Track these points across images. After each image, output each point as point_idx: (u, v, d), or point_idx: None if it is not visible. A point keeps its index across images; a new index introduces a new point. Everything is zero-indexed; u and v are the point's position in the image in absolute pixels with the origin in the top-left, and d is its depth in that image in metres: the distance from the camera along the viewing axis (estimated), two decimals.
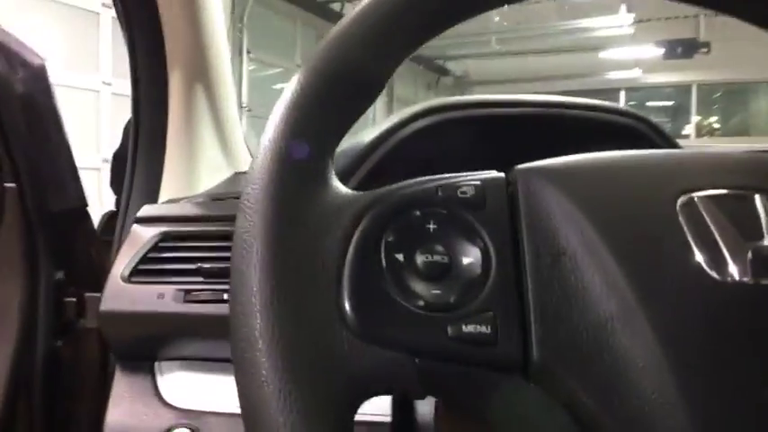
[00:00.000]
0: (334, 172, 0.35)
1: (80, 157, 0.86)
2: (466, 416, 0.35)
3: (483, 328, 0.30)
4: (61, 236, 0.87)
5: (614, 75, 8.78)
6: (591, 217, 0.32)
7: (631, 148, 0.38)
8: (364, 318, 0.30)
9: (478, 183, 0.34)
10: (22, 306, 0.81)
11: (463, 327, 0.30)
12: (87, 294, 0.88)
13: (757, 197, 0.33)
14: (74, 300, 0.89)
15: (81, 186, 0.86)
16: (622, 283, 0.31)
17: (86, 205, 0.87)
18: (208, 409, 0.62)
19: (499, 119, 0.78)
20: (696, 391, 0.29)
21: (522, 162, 0.36)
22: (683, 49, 7.43)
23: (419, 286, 0.31)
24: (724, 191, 0.33)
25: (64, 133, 0.84)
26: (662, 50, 7.59)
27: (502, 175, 0.35)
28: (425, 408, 0.57)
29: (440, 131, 0.73)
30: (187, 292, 0.64)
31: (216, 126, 0.99)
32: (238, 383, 0.29)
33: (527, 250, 0.32)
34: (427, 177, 0.35)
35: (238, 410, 0.30)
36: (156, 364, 0.68)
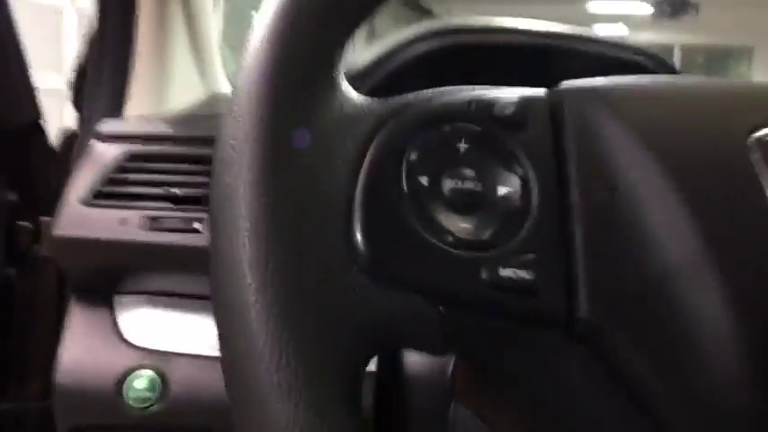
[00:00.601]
0: (344, 74, 0.28)
1: (40, 79, 0.76)
2: (488, 376, 0.29)
3: (523, 273, 0.24)
4: (12, 153, 0.78)
5: (600, 28, 8.67)
6: (653, 148, 0.26)
7: None
8: (379, 252, 0.24)
9: (518, 100, 0.28)
10: None
11: (500, 270, 0.24)
12: (43, 219, 0.80)
13: None
14: (28, 224, 0.82)
15: (35, 98, 0.77)
16: (688, 228, 0.25)
17: (40, 117, 0.77)
18: (174, 350, 0.56)
19: (508, 48, 0.70)
20: None
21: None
22: (673, 8, 7.34)
23: (446, 218, 0.25)
24: None
25: (19, 45, 0.74)
26: (651, 8, 7.49)
27: (543, 93, 0.29)
28: (415, 358, 0.52)
29: (447, 56, 0.65)
30: (153, 219, 0.56)
31: (191, 40, 0.90)
32: (220, 328, 0.23)
33: (575, 183, 0.26)
34: (457, 87, 0.29)
35: (210, 352, 0.23)
36: (116, 297, 0.60)
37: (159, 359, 0.55)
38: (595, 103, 0.28)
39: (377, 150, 0.25)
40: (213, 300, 0.23)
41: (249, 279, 0.22)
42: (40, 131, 0.79)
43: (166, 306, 0.60)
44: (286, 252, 0.22)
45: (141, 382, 0.53)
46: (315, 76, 0.26)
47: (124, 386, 0.53)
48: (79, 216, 0.57)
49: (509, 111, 0.27)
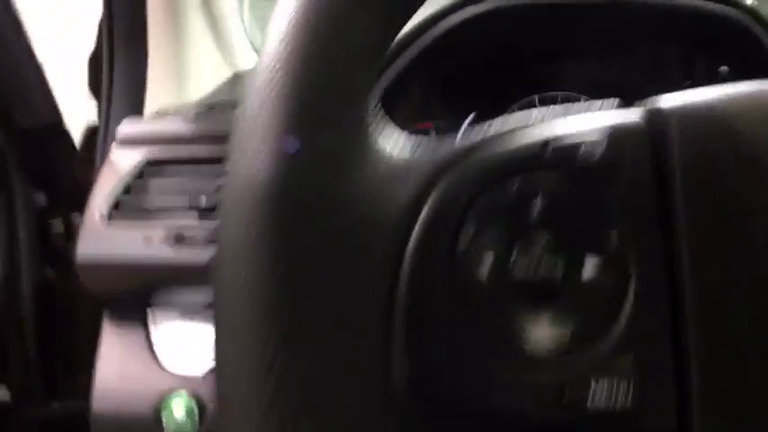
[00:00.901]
0: (378, 121, 0.22)
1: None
2: None
3: (619, 390, 0.19)
4: (36, 154, 0.75)
5: None
6: None
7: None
8: (428, 380, 0.19)
9: (610, 133, 0.21)
10: None
11: (588, 386, 0.19)
12: (74, 214, 0.78)
13: None
14: (60, 222, 0.80)
15: (53, 99, 0.73)
16: None
17: (61, 121, 0.74)
18: (209, 370, 0.53)
19: (552, 8, 0.63)
20: None
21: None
22: None
23: (519, 318, 0.20)
24: None
25: (26, 41, 0.70)
26: None
27: (639, 117, 0.22)
28: None
29: (489, 22, 0.58)
30: (178, 236, 0.53)
31: (207, 12, 0.84)
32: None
33: (691, 244, 0.20)
34: (520, 117, 0.22)
35: None
36: (149, 310, 0.58)
37: (195, 382, 0.52)
38: (717, 128, 0.21)
39: (423, 230, 0.20)
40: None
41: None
42: (61, 132, 0.76)
43: (200, 319, 0.57)
44: (304, 389, 0.18)
45: (179, 408, 0.51)
46: (345, 143, 0.20)
47: (163, 413, 0.51)
48: (102, 235, 0.54)
49: (598, 152, 0.21)
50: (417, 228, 0.20)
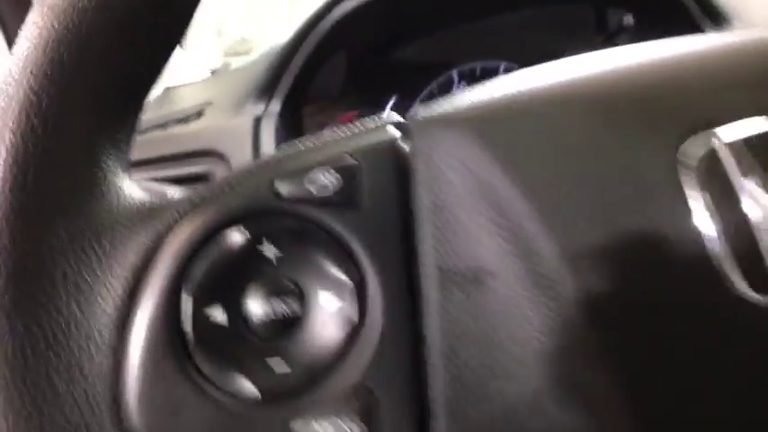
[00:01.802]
0: (120, 170, 0.21)
1: None
2: None
3: (351, 427, 0.18)
4: None
5: None
6: (538, 198, 0.19)
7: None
8: (157, 430, 0.19)
9: (346, 163, 0.20)
10: None
11: (315, 425, 0.18)
12: None
13: None
14: None
15: None
16: (573, 327, 0.18)
17: None
18: None
19: None
20: None
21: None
22: None
23: (251, 360, 0.19)
24: None
25: None
26: None
27: (388, 136, 0.21)
28: None
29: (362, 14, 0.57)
30: None
31: None
32: None
33: (428, 272, 0.19)
34: (252, 164, 0.22)
35: None
36: None
37: None
38: (451, 136, 0.20)
39: (152, 279, 0.19)
40: None
41: None
42: None
43: None
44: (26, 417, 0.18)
45: None
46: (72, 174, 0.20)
47: None
48: None
49: (328, 187, 0.20)
50: (147, 278, 0.20)
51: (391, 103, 0.69)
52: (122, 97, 0.22)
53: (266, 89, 0.58)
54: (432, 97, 0.68)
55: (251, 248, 0.20)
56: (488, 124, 0.20)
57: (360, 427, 0.18)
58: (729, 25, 0.52)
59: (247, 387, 0.19)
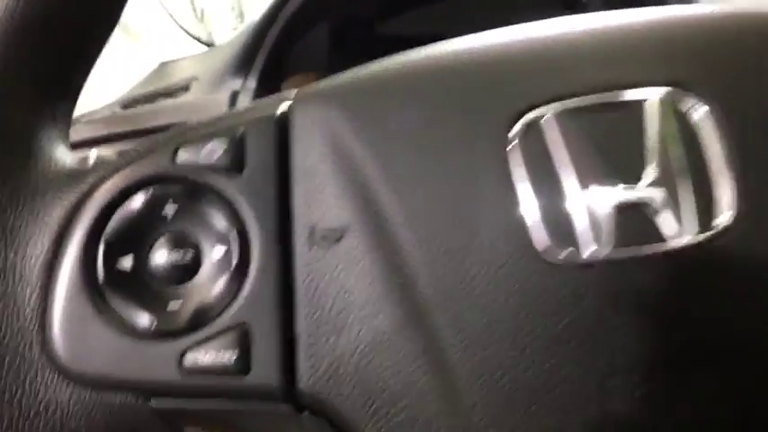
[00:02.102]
0: (56, 139, 0.25)
1: None
2: None
3: (225, 355, 0.21)
4: None
5: None
6: (390, 163, 0.22)
7: None
8: (75, 354, 0.22)
9: (236, 133, 0.23)
10: None
11: (199, 356, 0.22)
12: None
13: (650, 103, 0.21)
14: None
15: None
16: (412, 279, 0.21)
17: None
18: None
19: None
20: None
21: None
22: None
23: (153, 300, 0.22)
24: (594, 98, 0.21)
25: None
26: None
27: (275, 109, 0.24)
28: None
29: None
30: None
31: None
32: None
33: (298, 229, 0.22)
34: (161, 135, 0.25)
35: None
36: None
37: None
38: (324, 109, 0.23)
39: (75, 231, 0.23)
40: None
41: None
42: None
43: None
44: None
45: None
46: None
47: None
48: None
49: (218, 152, 0.23)
50: (69, 232, 0.23)
51: None
52: (62, 72, 0.25)
53: (243, 64, 0.61)
54: None
55: (155, 208, 0.23)
56: (353, 99, 0.23)
57: (235, 354, 0.21)
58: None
59: (146, 322, 0.22)
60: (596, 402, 0.20)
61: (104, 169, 0.24)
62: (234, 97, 0.60)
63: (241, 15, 1.58)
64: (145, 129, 0.63)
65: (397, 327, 0.21)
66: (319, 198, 0.22)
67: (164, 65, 0.90)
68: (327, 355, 0.21)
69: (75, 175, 0.24)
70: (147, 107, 0.71)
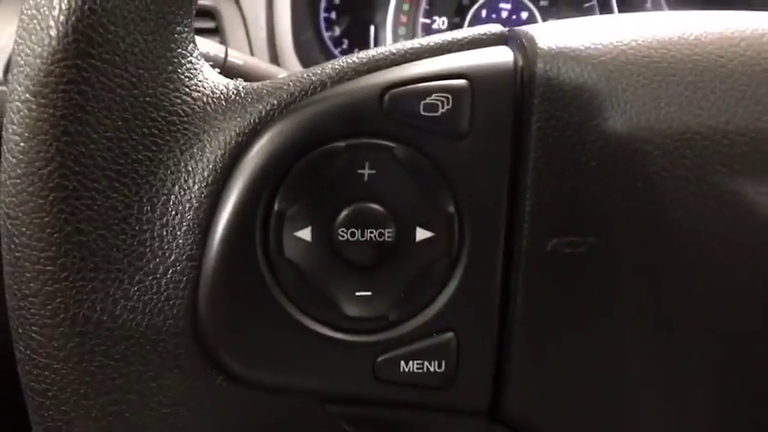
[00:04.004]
0: (193, 52, 0.19)
1: None
2: None
3: (431, 367, 0.18)
4: None
5: None
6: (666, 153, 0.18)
7: None
8: (239, 350, 0.17)
9: (460, 83, 0.18)
10: None
11: (401, 363, 0.18)
12: None
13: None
14: None
15: None
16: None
17: None
18: None
19: None
20: None
21: None
22: None
23: (337, 286, 0.18)
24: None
25: None
26: None
27: (506, 57, 0.18)
28: None
29: None
30: None
31: None
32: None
33: (530, 223, 0.18)
34: (360, 59, 0.19)
35: None
36: None
37: None
38: (579, 74, 0.18)
39: (236, 187, 0.17)
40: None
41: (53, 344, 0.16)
42: None
43: None
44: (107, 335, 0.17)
45: None
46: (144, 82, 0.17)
47: None
48: None
49: (441, 108, 0.18)
50: (230, 185, 0.17)
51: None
52: None
53: None
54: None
55: (351, 170, 0.18)
56: (620, 71, 0.18)
57: (442, 367, 0.18)
58: None
59: (332, 312, 0.18)
60: None
61: (281, 97, 0.18)
62: None
63: None
64: None
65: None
66: (566, 193, 0.18)
67: None
68: (542, 379, 0.18)
69: (243, 99, 0.18)
70: None
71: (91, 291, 0.16)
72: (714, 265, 0.17)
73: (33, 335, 0.16)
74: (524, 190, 0.18)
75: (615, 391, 0.18)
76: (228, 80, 0.19)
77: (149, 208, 0.17)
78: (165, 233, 0.17)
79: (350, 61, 0.19)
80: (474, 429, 0.19)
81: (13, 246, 0.16)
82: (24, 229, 0.16)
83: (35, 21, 0.16)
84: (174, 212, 0.17)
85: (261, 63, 0.45)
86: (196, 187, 0.17)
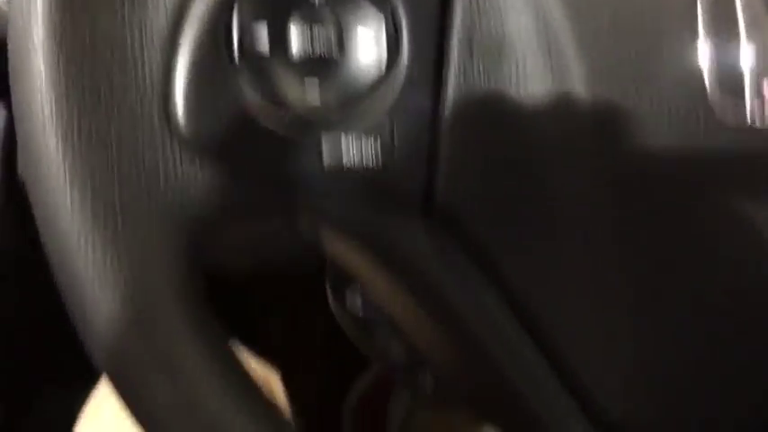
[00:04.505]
0: None
1: None
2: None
3: (370, 145, 0.20)
4: None
5: None
6: None
7: None
8: (201, 123, 0.20)
9: None
10: None
11: (339, 148, 0.20)
12: None
13: None
14: None
15: None
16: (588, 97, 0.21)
17: None
18: None
19: None
20: None
21: None
22: None
23: (291, 80, 0.20)
24: None
25: None
26: None
27: None
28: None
29: None
30: None
31: None
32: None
33: (457, 36, 0.21)
34: None
35: None
36: None
37: None
38: None
39: None
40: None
41: (50, 139, 0.18)
42: None
43: None
44: (93, 117, 0.19)
45: None
46: None
47: None
48: None
49: None
50: None
51: None
52: None
53: None
54: None
55: None
56: None
57: (379, 146, 0.20)
58: None
59: (281, 108, 0.20)
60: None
61: None
62: None
63: None
64: None
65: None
66: (485, 8, 0.21)
67: None
68: (470, 162, 0.20)
69: None
70: None
71: None
72: None
73: None
74: (453, 10, 0.21)
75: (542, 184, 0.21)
76: None
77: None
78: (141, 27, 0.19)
79: None
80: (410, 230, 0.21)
81: None
82: None
83: None
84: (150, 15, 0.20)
85: None
86: None
